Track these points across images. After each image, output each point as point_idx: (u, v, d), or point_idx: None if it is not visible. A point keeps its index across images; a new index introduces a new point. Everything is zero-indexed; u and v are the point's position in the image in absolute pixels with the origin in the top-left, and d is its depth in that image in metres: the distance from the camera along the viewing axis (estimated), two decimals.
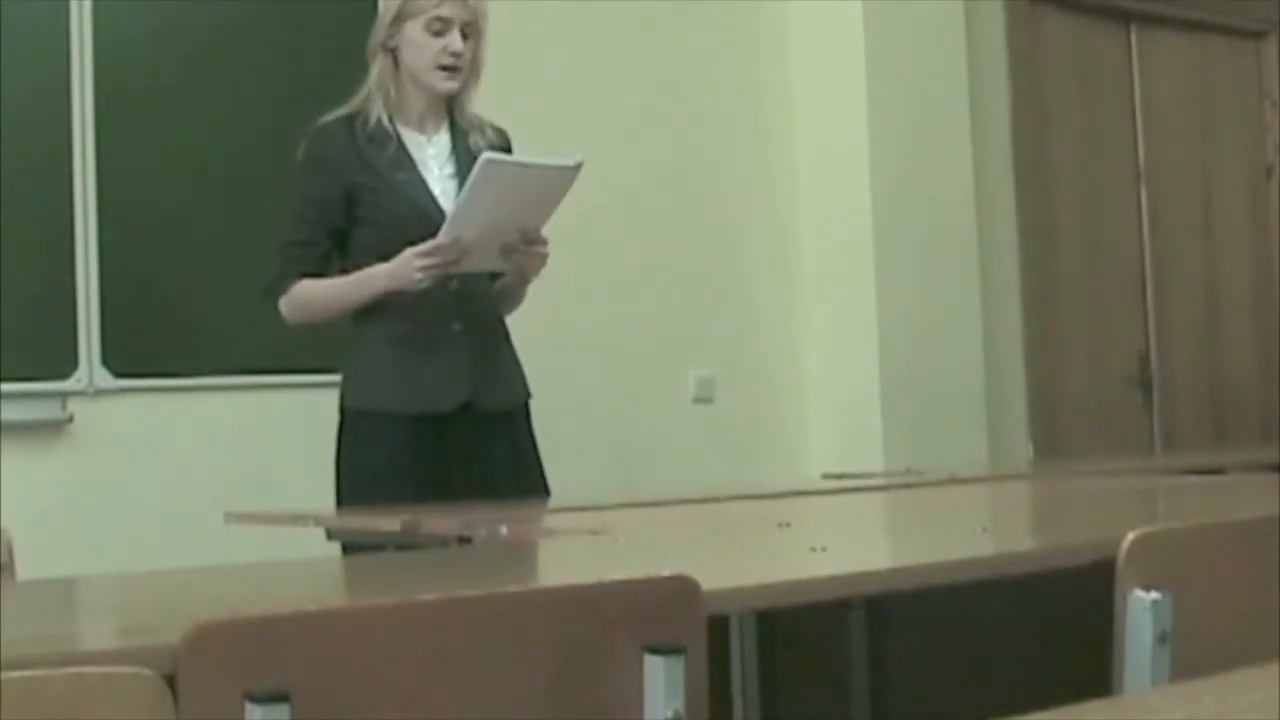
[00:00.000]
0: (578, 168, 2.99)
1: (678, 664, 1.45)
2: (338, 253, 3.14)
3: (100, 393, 3.84)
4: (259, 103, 4.00)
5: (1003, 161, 5.43)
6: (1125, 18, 5.99)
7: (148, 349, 3.90)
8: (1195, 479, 3.49)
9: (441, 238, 2.96)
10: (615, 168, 4.64)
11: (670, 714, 1.44)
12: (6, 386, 3.71)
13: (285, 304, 3.15)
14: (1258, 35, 6.34)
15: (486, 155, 2.97)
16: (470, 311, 3.14)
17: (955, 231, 5.09)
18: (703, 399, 4.87)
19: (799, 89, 5.08)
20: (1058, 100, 5.71)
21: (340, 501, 3.10)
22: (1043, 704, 1.05)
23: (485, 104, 3.31)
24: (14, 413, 3.73)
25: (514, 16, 4.36)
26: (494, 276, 3.18)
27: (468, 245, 2.98)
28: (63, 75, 3.81)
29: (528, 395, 3.25)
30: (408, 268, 2.98)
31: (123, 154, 3.86)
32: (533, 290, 3.27)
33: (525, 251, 3.05)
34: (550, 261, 3.12)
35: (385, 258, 3.04)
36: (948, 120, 5.10)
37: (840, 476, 4.05)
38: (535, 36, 4.51)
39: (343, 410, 3.15)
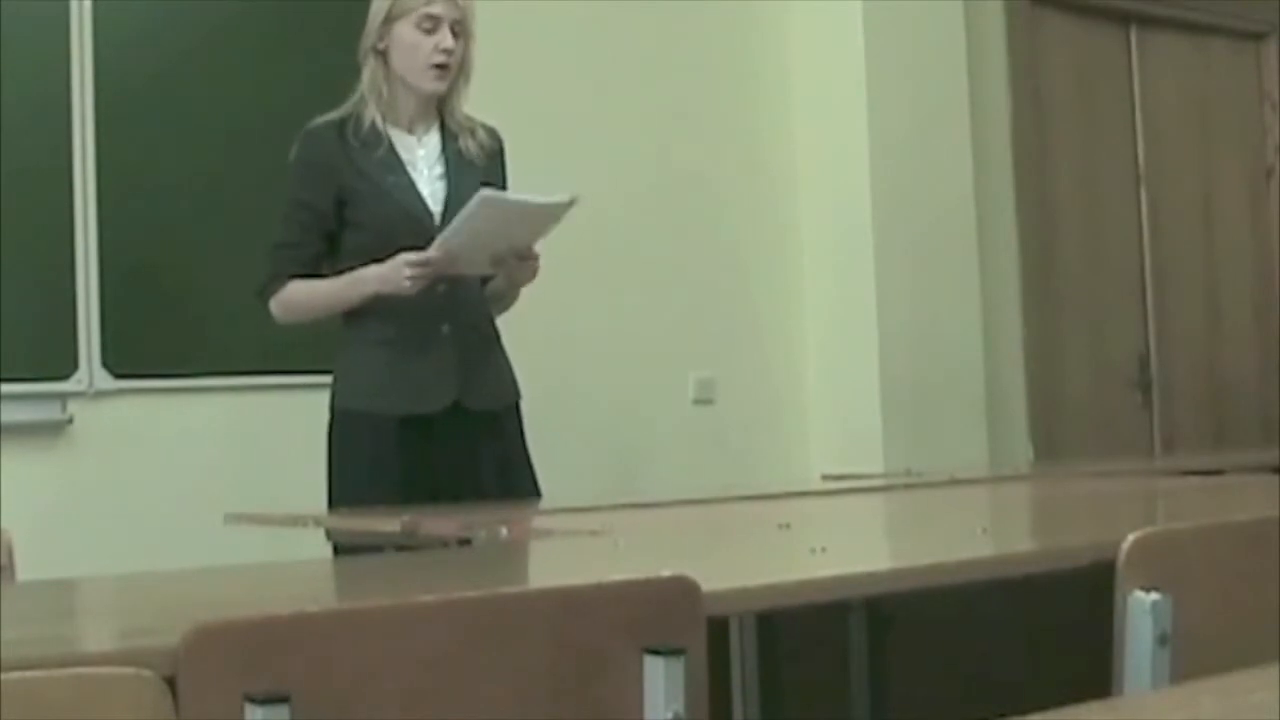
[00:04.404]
0: (572, 203, 3.01)
1: (678, 665, 1.45)
2: (328, 255, 3.15)
3: (100, 393, 3.84)
4: (259, 103, 4.00)
5: (1003, 162, 5.43)
6: (1125, 19, 5.99)
7: (148, 349, 3.90)
8: (1195, 480, 3.49)
9: (432, 252, 2.98)
10: (615, 169, 4.64)
11: (670, 715, 1.44)
12: (6, 387, 3.71)
13: (275, 304, 3.16)
14: (1258, 37, 6.34)
15: (483, 194, 2.98)
16: (459, 313, 3.15)
17: (955, 232, 5.09)
18: (703, 400, 4.87)
19: (799, 89, 5.07)
20: (1058, 101, 5.70)
21: (331, 502, 3.10)
22: (1043, 704, 1.05)
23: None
24: (14, 413, 3.73)
25: (513, 17, 4.37)
26: (485, 279, 3.19)
27: (458, 257, 3.01)
28: (63, 75, 3.80)
29: (518, 396, 3.25)
30: (398, 273, 3.00)
31: (123, 154, 3.86)
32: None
33: (516, 265, 3.09)
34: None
35: (375, 260, 3.05)
36: (948, 121, 5.10)
37: (840, 478, 4.05)
38: (534, 38, 4.51)
39: (332, 411, 3.16)
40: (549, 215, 3.04)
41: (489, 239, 3.02)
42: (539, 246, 3.09)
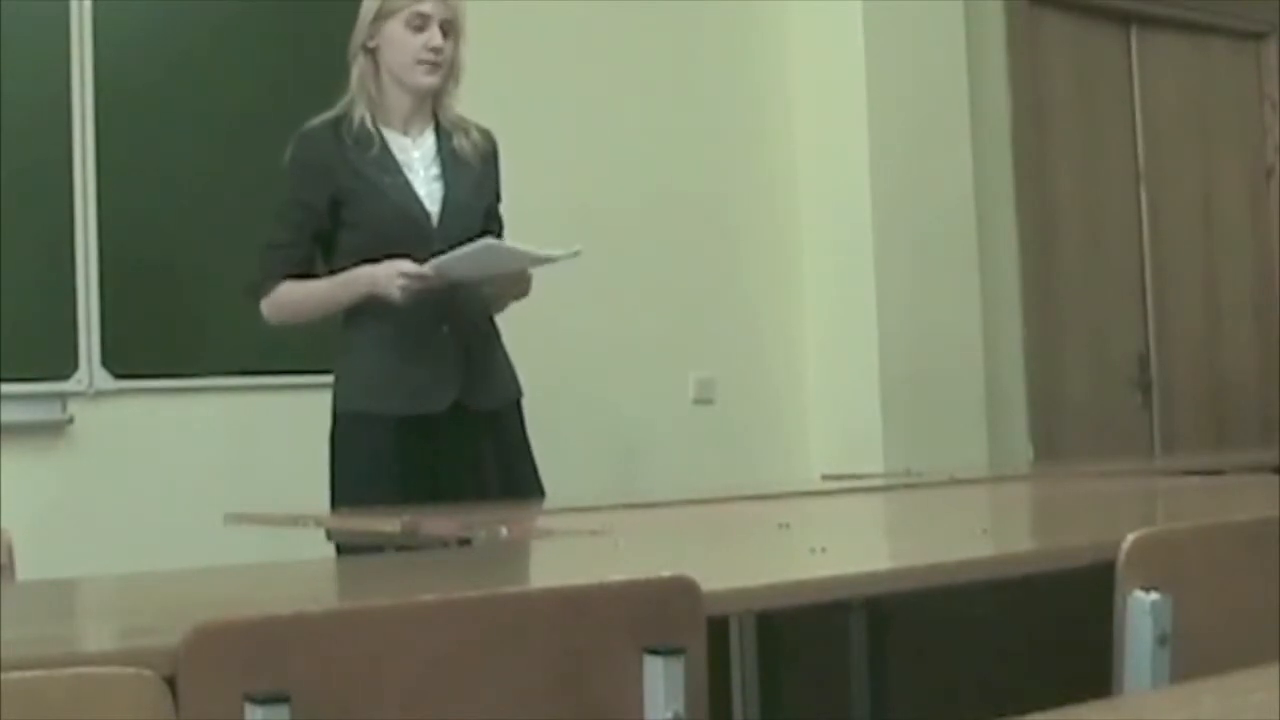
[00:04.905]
0: (574, 255, 3.05)
1: (678, 665, 1.45)
2: (323, 256, 3.16)
3: (100, 393, 3.84)
4: (259, 103, 4.00)
5: (1003, 162, 5.43)
6: (1125, 19, 5.99)
7: (148, 349, 3.90)
8: (1195, 480, 3.49)
9: (427, 269, 2.99)
10: (615, 169, 4.64)
11: (670, 715, 1.44)
12: (6, 387, 3.71)
13: (267, 305, 3.16)
14: (1258, 36, 6.34)
15: (488, 241, 3.03)
16: (458, 313, 3.15)
17: (955, 232, 5.09)
18: (703, 400, 4.87)
19: (799, 89, 5.07)
20: (1058, 101, 5.70)
21: (334, 503, 3.11)
22: (1043, 704, 1.05)
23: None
24: (14, 413, 3.73)
25: (513, 17, 4.37)
26: None
27: (451, 279, 3.05)
28: (63, 75, 3.80)
29: (519, 393, 3.26)
30: (391, 279, 3.01)
31: (123, 154, 3.86)
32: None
33: (508, 282, 3.15)
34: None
35: (370, 261, 3.06)
36: (948, 121, 5.10)
37: (840, 477, 4.04)
38: (534, 39, 4.51)
39: (334, 413, 3.16)
40: (548, 260, 3.10)
41: (486, 269, 3.08)
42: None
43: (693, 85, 4.89)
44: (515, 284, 3.17)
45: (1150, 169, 5.98)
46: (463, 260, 3.00)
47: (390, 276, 3.01)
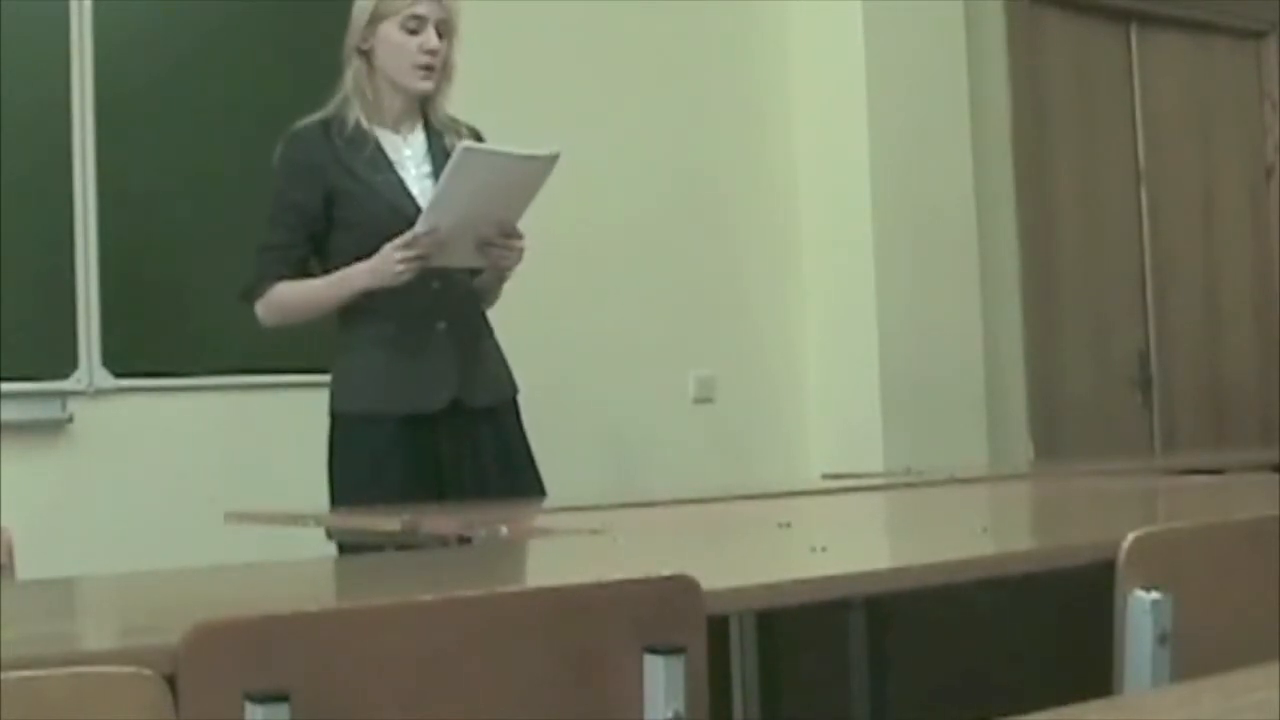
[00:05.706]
0: (554, 158, 3.00)
1: (678, 664, 1.45)
2: (315, 256, 3.15)
3: (100, 393, 3.84)
4: (259, 103, 3.99)
5: (1003, 161, 5.43)
6: (1125, 18, 5.99)
7: (148, 349, 3.90)
8: (1195, 479, 3.49)
9: (419, 228, 2.98)
10: (615, 168, 4.64)
11: (670, 714, 1.44)
12: (6, 386, 3.71)
13: (262, 307, 3.16)
14: (1258, 35, 6.34)
15: (464, 144, 2.99)
16: (453, 311, 3.15)
17: (955, 231, 5.09)
18: (703, 399, 4.87)
19: (799, 89, 5.08)
20: (1058, 100, 5.71)
21: (333, 503, 3.10)
22: (1043, 704, 1.05)
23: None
24: (14, 413, 3.73)
25: (513, 17, 4.37)
26: (473, 273, 3.19)
27: (444, 237, 2.99)
28: (63, 75, 3.80)
29: (515, 391, 3.25)
30: (388, 262, 2.99)
31: (123, 154, 3.86)
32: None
33: (502, 245, 3.06)
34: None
35: (363, 260, 3.05)
36: (948, 121, 5.10)
37: (840, 477, 4.05)
38: (534, 37, 4.51)
39: (332, 414, 3.16)
40: (532, 173, 3.02)
41: (473, 212, 3.00)
42: (523, 225, 3.08)
43: (693, 85, 4.89)
44: (508, 253, 3.08)
45: (1150, 168, 5.98)
46: (448, 193, 2.95)
47: (386, 260, 2.99)
